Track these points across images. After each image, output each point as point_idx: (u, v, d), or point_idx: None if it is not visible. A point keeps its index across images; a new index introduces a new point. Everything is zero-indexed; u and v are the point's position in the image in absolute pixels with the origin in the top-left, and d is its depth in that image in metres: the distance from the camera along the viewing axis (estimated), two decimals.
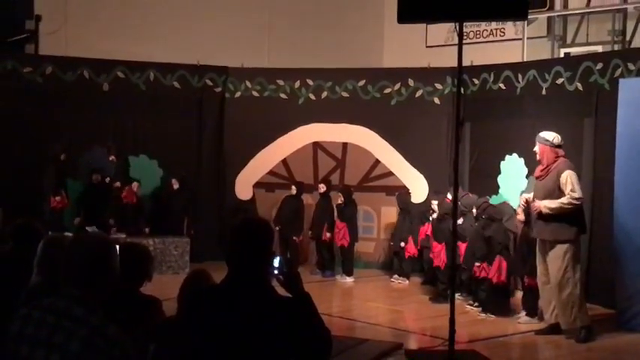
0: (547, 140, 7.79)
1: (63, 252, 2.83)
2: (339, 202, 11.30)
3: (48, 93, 11.58)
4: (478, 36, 13.38)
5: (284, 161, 12.43)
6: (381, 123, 12.04)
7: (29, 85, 11.53)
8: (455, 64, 6.86)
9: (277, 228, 11.25)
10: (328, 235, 11.41)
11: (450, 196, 9.52)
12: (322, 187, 11.63)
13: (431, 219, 10.25)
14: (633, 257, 8.20)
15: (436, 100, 11.99)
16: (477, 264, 8.87)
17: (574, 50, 12.19)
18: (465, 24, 6.92)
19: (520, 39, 12.41)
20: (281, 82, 12.47)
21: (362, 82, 12.28)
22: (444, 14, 6.83)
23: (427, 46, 13.94)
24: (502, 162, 10.85)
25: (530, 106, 10.55)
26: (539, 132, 8.03)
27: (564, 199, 7.59)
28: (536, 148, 7.88)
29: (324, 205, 11.58)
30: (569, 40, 12.46)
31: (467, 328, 8.20)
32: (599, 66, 9.59)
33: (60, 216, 11.13)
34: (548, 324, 8.07)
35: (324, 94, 12.41)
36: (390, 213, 11.85)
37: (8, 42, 12.40)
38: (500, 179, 10.86)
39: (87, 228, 10.41)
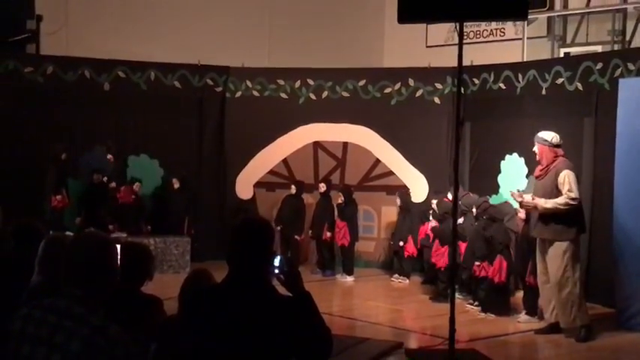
0: (545, 140, 7.80)
1: (64, 252, 2.83)
2: (340, 201, 11.31)
3: (49, 93, 11.59)
4: (478, 36, 13.40)
5: (284, 161, 12.44)
6: (381, 123, 12.05)
7: (30, 84, 11.54)
8: (455, 63, 6.86)
9: (279, 228, 11.28)
10: (329, 234, 11.42)
11: (449, 196, 9.54)
12: (323, 187, 11.64)
13: (430, 227, 10.19)
14: (633, 257, 8.21)
15: (436, 100, 12.00)
16: (477, 263, 8.88)
17: (574, 50, 12.20)
18: (465, 24, 6.93)
19: (520, 39, 12.42)
20: (281, 82, 12.48)
21: (362, 82, 12.29)
22: (444, 14, 6.84)
23: (427, 46, 13.96)
24: (502, 161, 10.86)
25: (530, 106, 10.56)
26: (538, 132, 8.03)
27: (560, 199, 7.59)
28: (535, 149, 7.89)
29: (324, 204, 11.59)
30: (569, 40, 12.47)
31: (467, 327, 8.20)
32: (599, 66, 9.60)
33: (61, 215, 11.15)
34: (548, 323, 8.08)
35: (325, 93, 12.42)
36: (390, 212, 11.86)
37: (9, 42, 12.39)
38: (500, 179, 10.88)
39: (87, 228, 10.44)
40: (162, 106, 12.16)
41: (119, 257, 2.86)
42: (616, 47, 11.52)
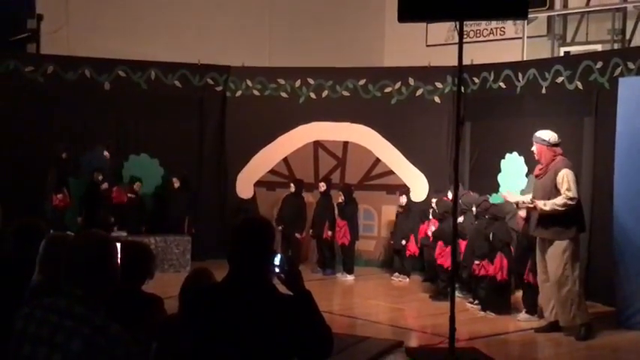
0: (544, 140, 7.79)
1: (65, 251, 2.84)
2: (340, 200, 11.33)
3: (49, 92, 11.61)
4: (478, 35, 13.40)
5: (285, 160, 12.46)
6: (381, 122, 12.07)
7: (31, 84, 11.56)
8: (455, 63, 6.87)
9: (280, 227, 11.29)
10: (329, 233, 11.44)
11: (449, 195, 9.55)
12: (323, 186, 11.66)
13: (431, 232, 10.19)
14: (633, 256, 8.21)
15: (436, 99, 12.01)
16: (477, 262, 8.89)
17: (574, 49, 12.20)
18: (465, 23, 6.94)
19: (520, 38, 12.42)
20: (282, 81, 12.49)
21: (362, 81, 12.30)
22: (444, 13, 6.84)
23: (427, 45, 13.96)
24: (502, 160, 10.87)
25: (530, 105, 10.56)
26: (538, 131, 8.03)
27: (559, 201, 7.57)
28: (534, 148, 7.89)
29: (324, 203, 11.60)
30: (569, 39, 12.48)
31: (467, 325, 8.21)
32: (599, 65, 9.60)
33: (62, 215, 11.16)
34: (547, 322, 8.08)
35: (325, 93, 12.43)
36: (390, 211, 11.87)
37: (10, 41, 12.41)
38: (500, 178, 10.88)
39: (89, 227, 10.44)
40: (163, 106, 12.17)
41: (120, 256, 2.86)
42: (616, 46, 11.53)
